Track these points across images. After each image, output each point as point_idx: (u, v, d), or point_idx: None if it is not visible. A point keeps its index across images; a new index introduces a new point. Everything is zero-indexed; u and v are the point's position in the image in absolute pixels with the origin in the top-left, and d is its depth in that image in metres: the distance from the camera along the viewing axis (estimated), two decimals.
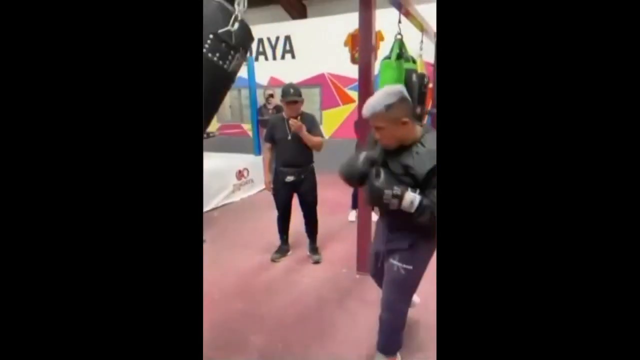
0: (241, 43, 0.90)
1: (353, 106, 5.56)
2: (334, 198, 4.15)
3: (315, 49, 5.84)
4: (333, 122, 5.94)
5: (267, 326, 2.03)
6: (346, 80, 5.62)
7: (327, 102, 5.96)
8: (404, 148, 1.31)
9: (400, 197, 1.24)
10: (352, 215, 3.72)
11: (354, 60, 5.43)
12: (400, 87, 1.31)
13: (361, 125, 2.60)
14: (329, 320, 2.08)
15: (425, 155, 1.25)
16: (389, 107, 1.23)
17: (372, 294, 2.33)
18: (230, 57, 0.87)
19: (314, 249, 2.89)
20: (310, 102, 6.05)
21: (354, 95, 5.51)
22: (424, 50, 4.08)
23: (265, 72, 6.19)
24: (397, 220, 1.41)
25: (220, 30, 0.83)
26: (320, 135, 2.59)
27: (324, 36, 5.69)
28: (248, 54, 5.46)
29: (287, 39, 6.08)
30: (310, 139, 2.47)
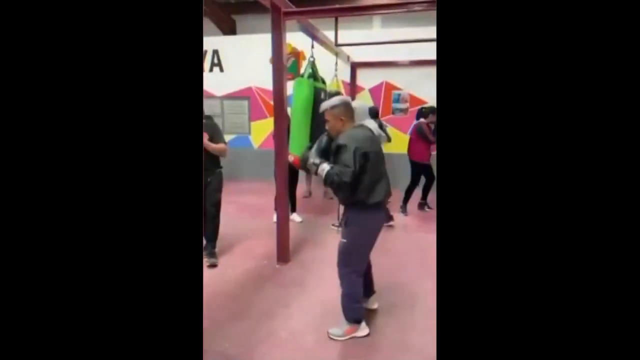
0: None
1: None
2: (259, 203, 4.48)
3: (243, 64, 6.15)
4: (261, 133, 6.25)
5: None
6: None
7: (256, 114, 6.27)
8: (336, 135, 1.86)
9: (317, 165, 1.79)
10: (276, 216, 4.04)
11: None
12: (347, 98, 1.95)
13: (276, 137, 2.98)
14: (249, 301, 2.37)
15: (340, 138, 1.78)
16: (333, 107, 1.85)
17: (288, 279, 2.69)
18: None
19: (211, 253, 2.91)
20: (239, 114, 6.32)
21: None
22: (339, 71, 4.65)
23: None
24: (341, 202, 1.96)
25: None
26: (223, 142, 2.81)
27: (251, 52, 6.03)
28: None
29: (215, 52, 6.32)
30: (212, 147, 2.65)
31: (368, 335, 1.98)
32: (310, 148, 1.92)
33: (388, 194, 1.90)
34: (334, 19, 3.54)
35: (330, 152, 1.83)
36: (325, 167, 1.76)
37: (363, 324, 2.00)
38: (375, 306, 2.25)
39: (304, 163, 1.88)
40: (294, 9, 2.53)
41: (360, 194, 1.78)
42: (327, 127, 1.91)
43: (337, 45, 3.54)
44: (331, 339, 1.96)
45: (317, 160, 1.81)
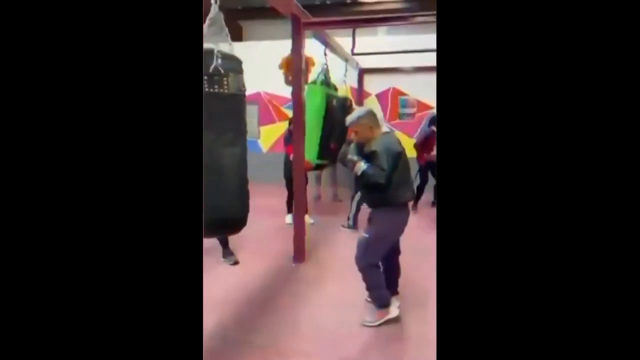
0: (229, 68, 1.39)
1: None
2: (272, 205, 4.58)
3: (252, 69, 6.28)
4: (270, 137, 6.38)
5: (216, 306, 2.35)
6: (282, 100, 6.12)
7: (265, 119, 6.40)
8: (368, 142, 2.03)
9: (354, 162, 1.96)
10: (289, 218, 4.15)
11: (287, 82, 5.99)
12: (369, 107, 2.14)
13: (290, 140, 3.10)
14: (271, 296, 2.48)
15: (373, 145, 1.97)
16: (360, 118, 2.02)
17: (306, 276, 2.81)
18: (225, 82, 1.36)
19: (227, 253, 3.07)
20: (249, 118, 6.46)
21: (290, 113, 6.03)
22: (347, 77, 4.79)
23: None
24: (366, 201, 2.17)
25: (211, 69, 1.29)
26: None
27: (260, 58, 6.17)
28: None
29: None
30: None
31: (398, 316, 2.13)
32: (348, 145, 2.12)
33: (412, 195, 2.09)
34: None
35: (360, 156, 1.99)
36: (363, 165, 1.93)
37: (392, 306, 2.14)
38: (397, 309, 2.18)
39: (342, 157, 2.08)
40: (313, 19, 2.66)
41: (388, 194, 1.93)
42: (353, 138, 2.09)
43: (354, 54, 3.68)
44: (366, 326, 2.09)
45: (355, 158, 1.97)
